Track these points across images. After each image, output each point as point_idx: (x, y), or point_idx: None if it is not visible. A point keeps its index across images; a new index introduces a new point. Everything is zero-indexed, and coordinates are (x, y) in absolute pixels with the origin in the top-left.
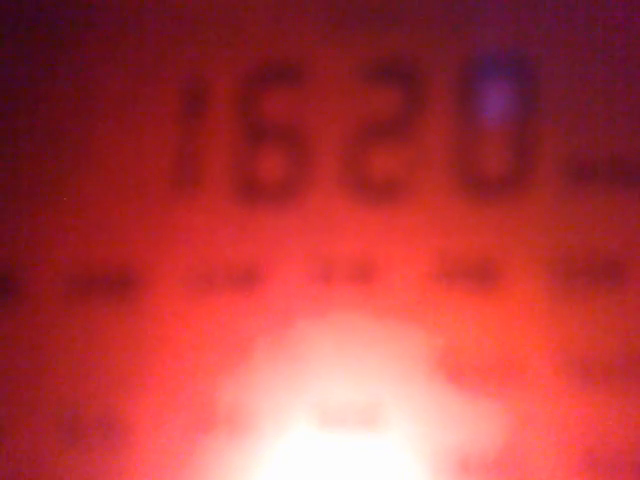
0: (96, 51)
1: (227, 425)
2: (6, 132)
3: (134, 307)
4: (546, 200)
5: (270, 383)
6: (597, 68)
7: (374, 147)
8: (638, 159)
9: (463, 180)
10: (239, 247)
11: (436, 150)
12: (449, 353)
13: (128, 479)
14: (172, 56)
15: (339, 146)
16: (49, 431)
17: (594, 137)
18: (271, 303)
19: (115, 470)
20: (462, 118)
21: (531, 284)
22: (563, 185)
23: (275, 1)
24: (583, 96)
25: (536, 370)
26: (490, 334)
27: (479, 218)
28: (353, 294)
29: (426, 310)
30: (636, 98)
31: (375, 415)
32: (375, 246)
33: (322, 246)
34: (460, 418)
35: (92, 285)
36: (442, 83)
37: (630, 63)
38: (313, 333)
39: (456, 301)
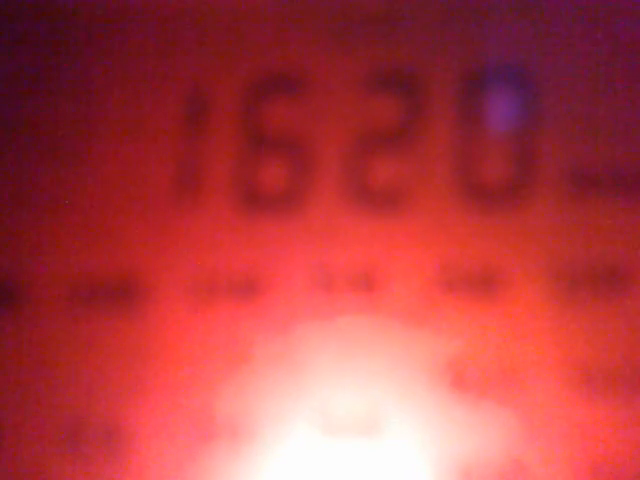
0: (98, 61)
1: (229, 433)
2: (8, 140)
3: (136, 315)
4: (548, 209)
5: (272, 391)
6: (598, 78)
7: (376, 156)
8: (639, 168)
9: (465, 189)
10: (241, 256)
11: (438, 159)
12: (452, 361)
13: None
14: (175, 66)
15: (341, 155)
16: (51, 440)
17: (595, 146)
18: (273, 311)
19: (116, 478)
20: (464, 127)
21: (533, 293)
22: (565, 194)
23: (277, 12)
24: (584, 106)
25: (539, 378)
26: (493, 342)
27: (481, 227)
28: (355, 303)
29: (428, 318)
30: (637, 108)
31: (378, 423)
32: (377, 255)
33: (324, 255)
34: (463, 426)
35: (94, 293)
36: (443, 93)
37: (631, 74)
38: (315, 341)
39: (458, 309)
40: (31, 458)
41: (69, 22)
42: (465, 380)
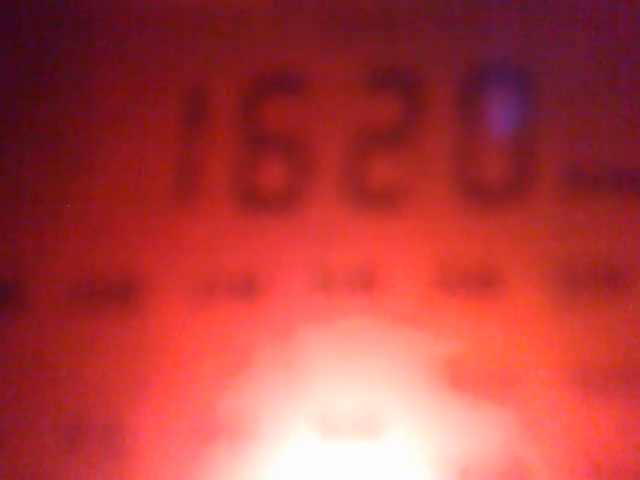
0: (98, 61)
1: (228, 433)
2: (8, 141)
3: (135, 316)
4: (547, 208)
5: (271, 392)
6: (598, 77)
7: (375, 156)
8: (639, 168)
9: (464, 188)
10: (240, 256)
11: (437, 159)
12: (450, 361)
13: None
14: (174, 66)
15: (340, 155)
16: (50, 439)
17: (595, 145)
18: (272, 312)
19: (116, 478)
20: (463, 127)
21: (533, 292)
22: (564, 193)
23: (276, 11)
24: (584, 105)
25: (538, 378)
26: (491, 342)
27: (480, 226)
28: (354, 303)
29: (427, 318)
30: (637, 107)
31: (377, 424)
32: (376, 254)
33: (323, 255)
34: (461, 426)
35: (94, 294)
36: (442, 92)
37: (631, 71)
38: (314, 342)
39: (457, 309)
40: (31, 457)
41: (68, 23)
42: (464, 380)
